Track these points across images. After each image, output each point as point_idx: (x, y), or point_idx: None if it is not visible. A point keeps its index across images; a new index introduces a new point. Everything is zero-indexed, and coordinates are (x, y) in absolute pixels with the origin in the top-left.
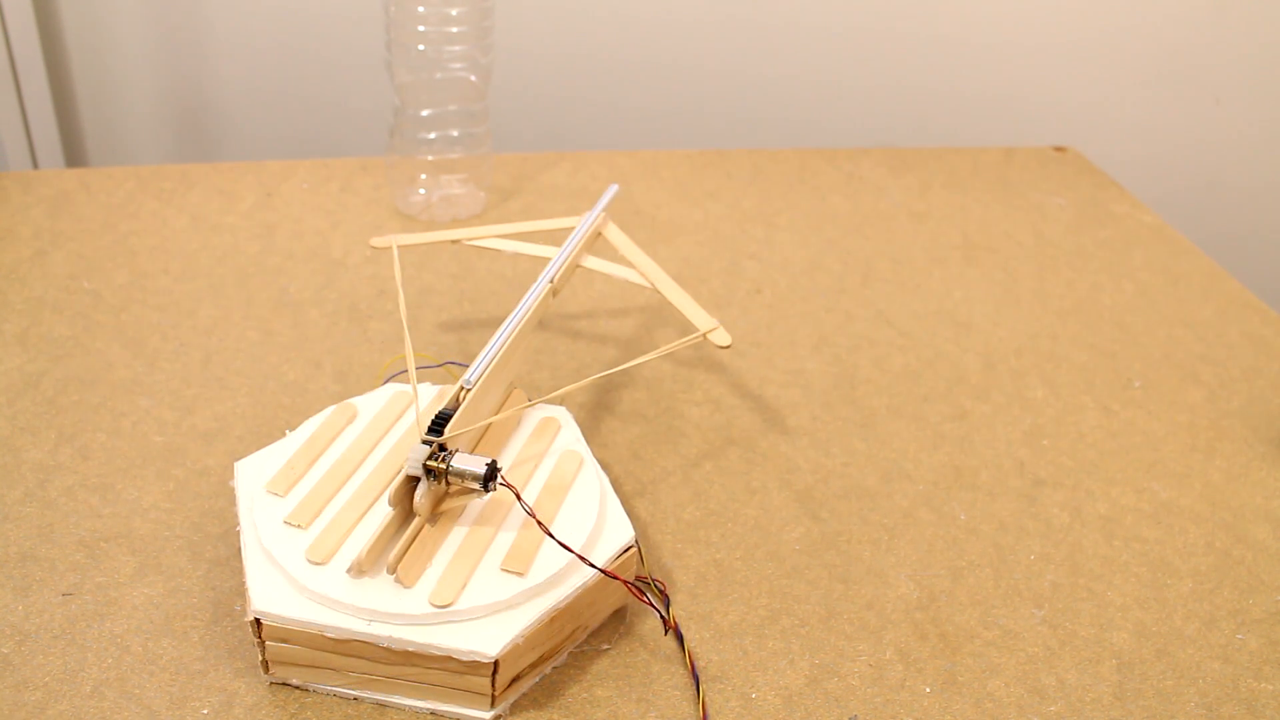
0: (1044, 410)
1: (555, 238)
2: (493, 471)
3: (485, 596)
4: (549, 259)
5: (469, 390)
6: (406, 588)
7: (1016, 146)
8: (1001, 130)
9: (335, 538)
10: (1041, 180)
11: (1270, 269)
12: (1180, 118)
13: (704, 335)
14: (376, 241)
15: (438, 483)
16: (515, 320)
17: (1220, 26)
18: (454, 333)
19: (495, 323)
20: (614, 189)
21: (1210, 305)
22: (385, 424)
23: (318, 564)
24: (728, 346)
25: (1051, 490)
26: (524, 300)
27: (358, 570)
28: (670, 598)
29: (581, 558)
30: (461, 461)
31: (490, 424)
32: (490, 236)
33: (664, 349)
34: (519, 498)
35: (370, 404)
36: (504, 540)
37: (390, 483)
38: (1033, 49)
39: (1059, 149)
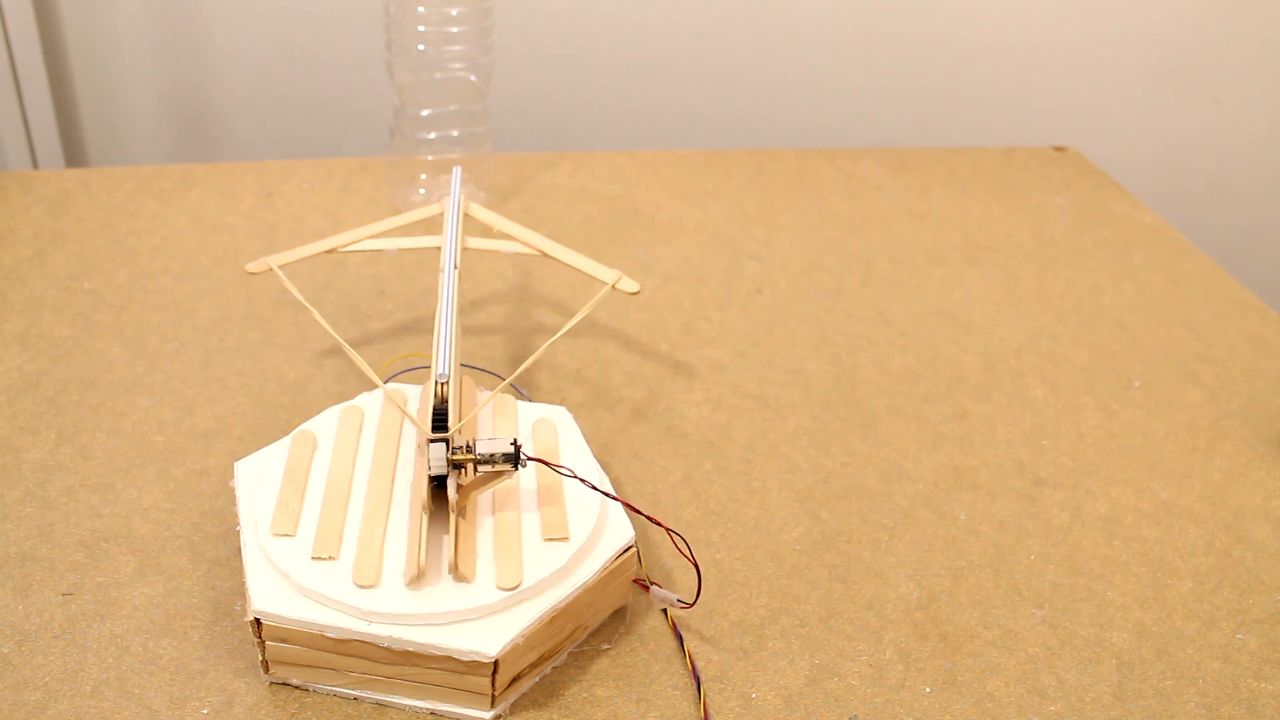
0: (1044, 410)
1: (411, 230)
2: (518, 448)
3: (535, 574)
4: (436, 248)
5: (445, 383)
6: (468, 582)
7: (1016, 146)
8: (1001, 130)
9: (375, 558)
10: (1041, 180)
11: (1270, 269)
12: (1180, 118)
13: (612, 286)
14: (252, 266)
15: (462, 474)
16: (449, 309)
17: (1220, 26)
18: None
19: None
20: (458, 170)
21: (1210, 305)
22: (350, 440)
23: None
24: (637, 292)
25: (1051, 490)
26: (445, 288)
27: (418, 580)
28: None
29: (627, 504)
30: (486, 446)
31: (475, 420)
32: (366, 239)
33: (583, 310)
34: (547, 463)
35: (324, 426)
36: (531, 516)
37: (390, 488)
38: (1033, 49)
39: (1059, 149)
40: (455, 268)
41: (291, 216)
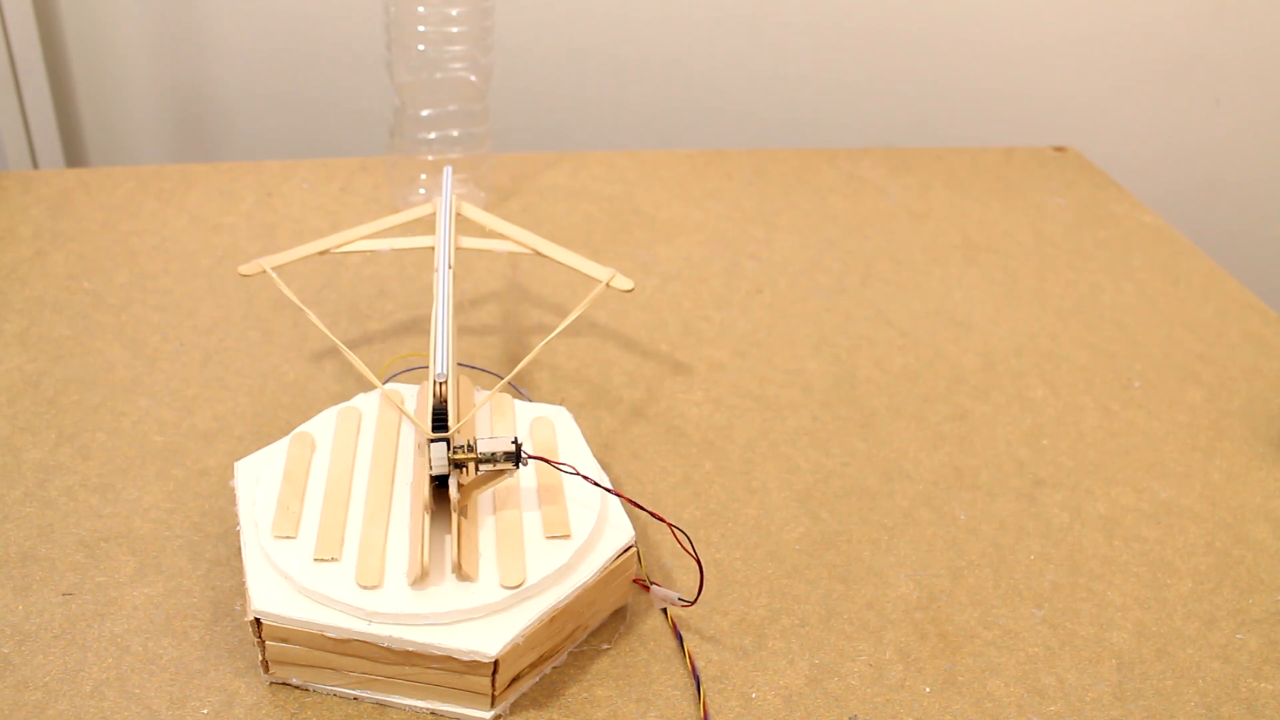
0: (1044, 410)
1: (405, 230)
2: (519, 446)
3: (538, 571)
4: (430, 248)
5: (444, 383)
6: (472, 581)
7: (1016, 146)
8: (1001, 130)
9: (377, 558)
10: (1041, 180)
11: (1270, 269)
12: (1180, 118)
13: (606, 284)
14: (245, 268)
15: (464, 473)
16: (445, 309)
17: (1220, 26)
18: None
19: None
20: (449, 170)
21: (1210, 305)
22: (349, 441)
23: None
24: (631, 290)
25: (1051, 490)
26: (441, 289)
27: (422, 580)
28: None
29: (628, 499)
30: (488, 445)
31: (473, 420)
32: (360, 239)
33: (578, 308)
34: (548, 461)
35: (322, 427)
36: (532, 515)
37: (390, 488)
38: (1033, 49)
39: (1059, 149)
40: (450, 268)
41: (291, 216)
